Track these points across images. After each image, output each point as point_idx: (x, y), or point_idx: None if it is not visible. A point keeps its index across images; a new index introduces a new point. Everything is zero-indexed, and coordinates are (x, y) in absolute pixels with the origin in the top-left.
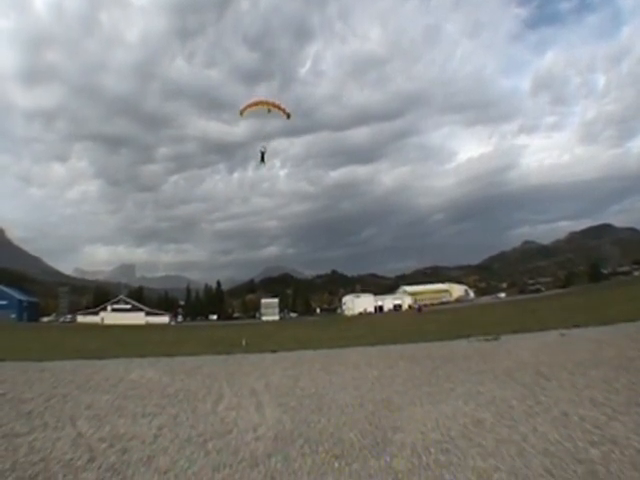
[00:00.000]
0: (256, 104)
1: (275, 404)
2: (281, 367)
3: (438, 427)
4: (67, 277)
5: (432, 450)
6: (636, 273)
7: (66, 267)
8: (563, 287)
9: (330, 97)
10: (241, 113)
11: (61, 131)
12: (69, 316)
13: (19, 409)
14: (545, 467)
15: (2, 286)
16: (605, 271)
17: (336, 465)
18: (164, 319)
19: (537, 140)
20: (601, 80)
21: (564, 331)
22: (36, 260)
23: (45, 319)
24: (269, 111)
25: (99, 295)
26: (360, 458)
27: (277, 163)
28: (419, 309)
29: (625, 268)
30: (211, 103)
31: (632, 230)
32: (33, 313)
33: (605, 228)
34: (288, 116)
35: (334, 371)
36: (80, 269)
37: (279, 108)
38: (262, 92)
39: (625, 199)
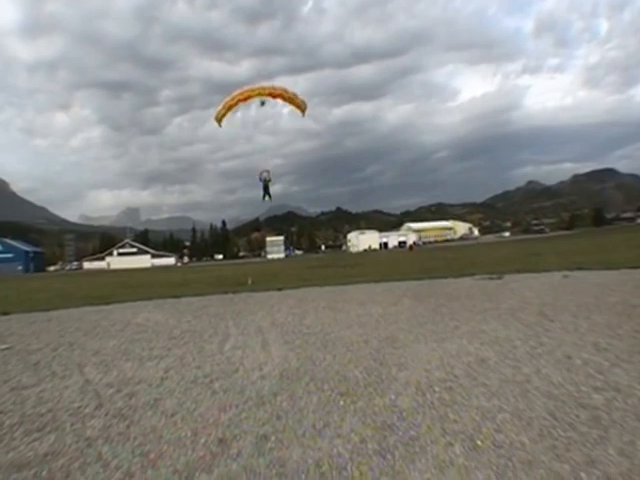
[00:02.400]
0: (246, 98)
1: (281, 342)
2: (287, 305)
3: (442, 365)
4: (73, 224)
5: (436, 389)
6: (639, 220)
7: (72, 214)
8: (567, 229)
9: (333, 35)
10: (219, 120)
11: (64, 80)
12: (75, 263)
13: (26, 361)
14: (548, 410)
15: (7, 239)
16: (609, 216)
17: (341, 403)
18: (170, 261)
19: (540, 81)
20: (604, 26)
21: (567, 273)
22: (42, 210)
23: (52, 268)
24: (262, 104)
25: (105, 240)
26: (365, 396)
27: (280, 101)
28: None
29: (628, 214)
30: (213, 44)
31: (636, 177)
32: (39, 263)
33: (609, 172)
34: (303, 112)
35: (339, 308)
36: (85, 215)
37: (291, 102)
38: (264, 32)
39: (629, 145)
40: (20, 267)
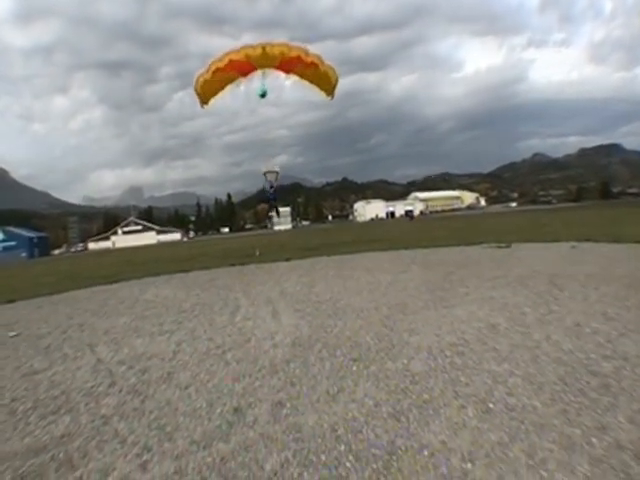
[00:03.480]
0: (242, 70)
1: (291, 311)
2: (295, 275)
3: (453, 330)
4: (77, 207)
5: (447, 353)
6: None
7: (74, 197)
8: (574, 201)
9: (334, 8)
10: (204, 98)
11: (61, 63)
12: (80, 245)
13: (37, 345)
14: (559, 375)
15: (10, 227)
16: (615, 190)
17: (354, 368)
18: (176, 236)
19: (546, 55)
20: (607, 5)
21: (575, 244)
22: (44, 195)
23: (56, 252)
24: (263, 95)
25: (109, 220)
26: (377, 361)
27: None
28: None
29: (635, 190)
30: (212, 19)
31: None
32: (44, 248)
33: (614, 148)
34: (331, 94)
35: (348, 277)
36: (88, 197)
37: (314, 77)
38: (264, 6)
39: (634, 122)
40: (24, 254)
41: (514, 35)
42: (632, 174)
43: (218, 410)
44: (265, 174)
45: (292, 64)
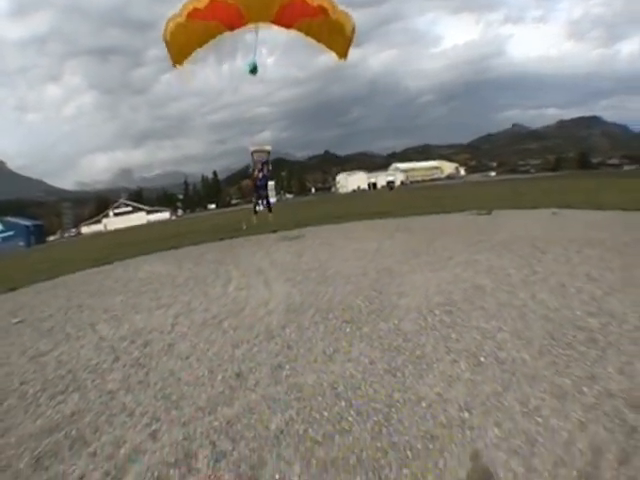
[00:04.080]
0: (227, 23)
1: (282, 280)
2: (284, 245)
3: (440, 292)
4: (70, 192)
5: (437, 312)
6: (626, 167)
7: (67, 183)
8: (552, 170)
9: None
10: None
11: (54, 52)
12: (73, 230)
13: (40, 329)
14: (546, 330)
15: (8, 218)
16: (594, 161)
17: (347, 330)
18: (165, 215)
19: (523, 31)
20: None
21: (556, 210)
22: (39, 183)
23: (51, 238)
24: (253, 71)
25: (100, 203)
26: (369, 322)
27: (264, 50)
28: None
29: (614, 161)
30: None
31: (622, 127)
32: (40, 235)
33: (594, 120)
34: (345, 54)
35: (335, 245)
36: (80, 182)
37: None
38: None
39: (614, 96)
40: (22, 243)
41: (490, 12)
42: (612, 145)
43: (220, 377)
44: (253, 153)
45: (294, 12)
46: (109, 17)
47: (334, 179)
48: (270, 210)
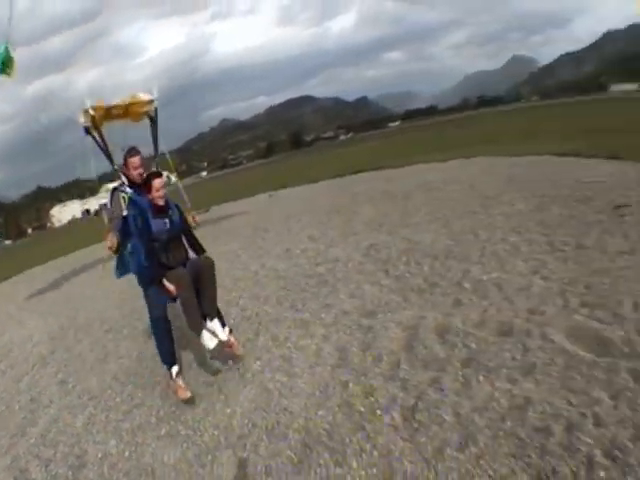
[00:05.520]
0: None
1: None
2: None
3: None
4: None
5: None
6: (342, 137)
7: None
8: (265, 157)
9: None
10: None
11: None
12: None
13: None
14: (280, 286)
15: None
16: (308, 138)
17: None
18: None
19: (231, 25)
20: None
21: (272, 192)
22: None
23: None
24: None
25: None
26: None
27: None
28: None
29: (330, 134)
30: None
31: (334, 99)
32: None
33: (306, 99)
34: None
35: None
36: None
37: None
38: None
39: (324, 72)
40: None
41: (198, 12)
42: (326, 119)
43: (17, 407)
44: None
45: None
46: None
47: (48, 214)
48: None
